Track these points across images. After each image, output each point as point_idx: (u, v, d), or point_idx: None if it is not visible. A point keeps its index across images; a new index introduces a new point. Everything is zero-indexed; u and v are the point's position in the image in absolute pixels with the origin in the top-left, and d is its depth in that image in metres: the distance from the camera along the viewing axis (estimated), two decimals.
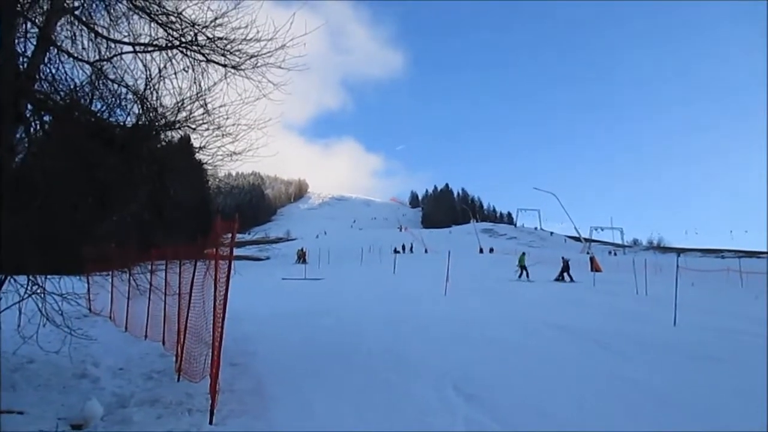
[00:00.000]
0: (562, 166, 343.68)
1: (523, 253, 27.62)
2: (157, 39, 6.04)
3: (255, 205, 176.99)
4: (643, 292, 18.22)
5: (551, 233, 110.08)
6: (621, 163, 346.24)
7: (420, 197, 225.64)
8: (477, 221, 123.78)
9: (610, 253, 71.92)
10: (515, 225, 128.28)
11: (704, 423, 4.78)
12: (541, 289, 20.28)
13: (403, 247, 59.37)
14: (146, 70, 6.14)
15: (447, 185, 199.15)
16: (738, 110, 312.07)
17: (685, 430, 4.60)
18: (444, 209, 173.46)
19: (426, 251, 59.73)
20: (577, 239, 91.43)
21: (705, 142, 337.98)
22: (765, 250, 64.90)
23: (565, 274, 24.24)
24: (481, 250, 61.02)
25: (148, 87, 6.07)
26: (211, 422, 4.67)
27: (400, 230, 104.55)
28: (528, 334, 9.30)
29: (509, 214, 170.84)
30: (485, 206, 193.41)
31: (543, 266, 28.02)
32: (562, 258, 25.78)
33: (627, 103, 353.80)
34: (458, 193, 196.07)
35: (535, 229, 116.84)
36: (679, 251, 64.32)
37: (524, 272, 25.27)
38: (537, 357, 7.61)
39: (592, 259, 34.25)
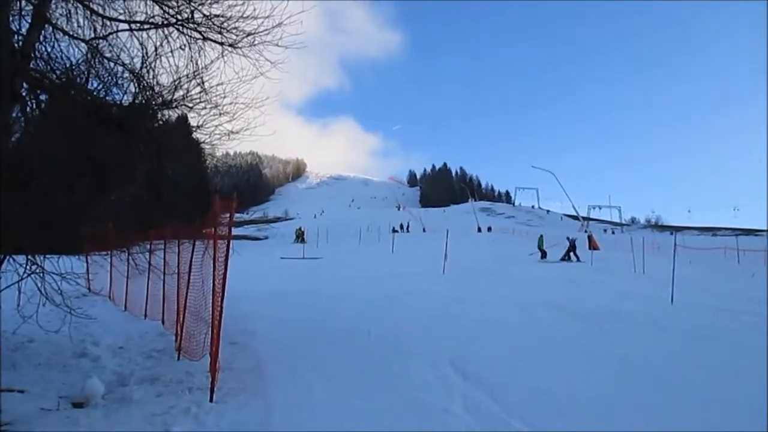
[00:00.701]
0: (561, 145, 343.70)
1: (541, 236, 27.79)
2: (153, 16, 5.93)
3: (253, 184, 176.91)
4: (640, 271, 18.33)
5: (548, 211, 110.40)
6: (619, 142, 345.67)
7: (418, 176, 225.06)
8: (475, 200, 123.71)
9: (605, 231, 72.01)
10: (513, 204, 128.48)
11: (700, 403, 4.81)
12: (541, 268, 20.38)
13: (401, 226, 59.36)
14: (142, 48, 6.04)
15: (445, 164, 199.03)
16: (738, 90, 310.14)
17: (681, 410, 4.64)
18: (442, 188, 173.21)
19: (424, 230, 59.69)
20: (575, 218, 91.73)
21: (704, 123, 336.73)
22: (758, 227, 65.28)
23: (572, 254, 24.45)
24: (479, 229, 61.06)
25: (145, 65, 5.99)
26: (211, 400, 4.72)
27: (399, 209, 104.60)
28: (526, 314, 9.31)
29: (507, 193, 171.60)
30: (483, 185, 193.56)
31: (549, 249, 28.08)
32: (568, 238, 25.90)
33: (626, 82, 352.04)
34: (456, 172, 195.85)
35: (533, 207, 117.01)
36: (676, 229, 64.40)
37: (542, 254, 25.47)
38: (535, 337, 7.65)
39: (589, 238, 34.42)
